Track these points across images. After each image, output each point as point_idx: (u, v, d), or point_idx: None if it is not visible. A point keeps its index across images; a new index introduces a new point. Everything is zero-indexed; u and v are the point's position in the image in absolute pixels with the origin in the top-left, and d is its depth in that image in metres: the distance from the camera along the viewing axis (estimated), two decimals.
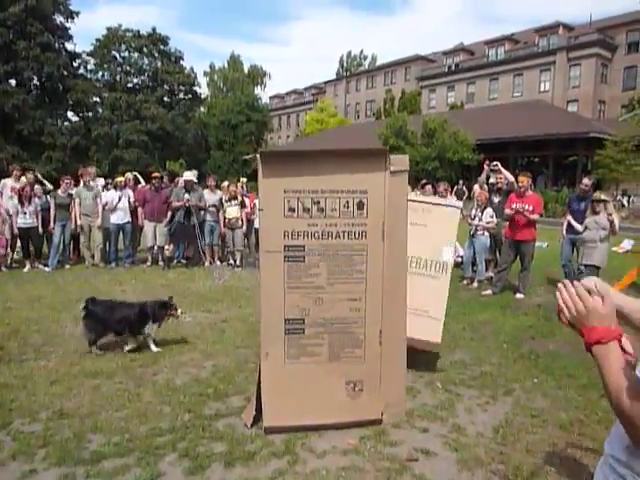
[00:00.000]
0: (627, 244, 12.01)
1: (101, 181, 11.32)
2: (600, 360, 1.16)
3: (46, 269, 9.20)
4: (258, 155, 3.08)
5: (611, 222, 6.74)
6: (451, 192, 11.89)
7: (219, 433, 3.33)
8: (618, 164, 22.72)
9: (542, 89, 39.40)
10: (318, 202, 3.20)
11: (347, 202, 3.24)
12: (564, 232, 8.01)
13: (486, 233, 8.05)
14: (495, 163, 8.81)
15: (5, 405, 3.68)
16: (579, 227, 7.30)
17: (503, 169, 8.56)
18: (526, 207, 7.27)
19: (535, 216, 7.29)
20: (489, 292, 7.57)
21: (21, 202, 9.10)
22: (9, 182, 9.57)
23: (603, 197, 7.00)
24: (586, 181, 8.24)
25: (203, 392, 3.97)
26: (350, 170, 3.23)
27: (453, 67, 46.37)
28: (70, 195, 9.48)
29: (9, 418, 3.49)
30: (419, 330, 4.50)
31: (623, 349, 1.15)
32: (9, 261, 9.37)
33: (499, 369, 4.57)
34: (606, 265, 7.09)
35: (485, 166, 9.34)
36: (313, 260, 3.28)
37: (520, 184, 7.51)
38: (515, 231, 7.38)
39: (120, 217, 9.50)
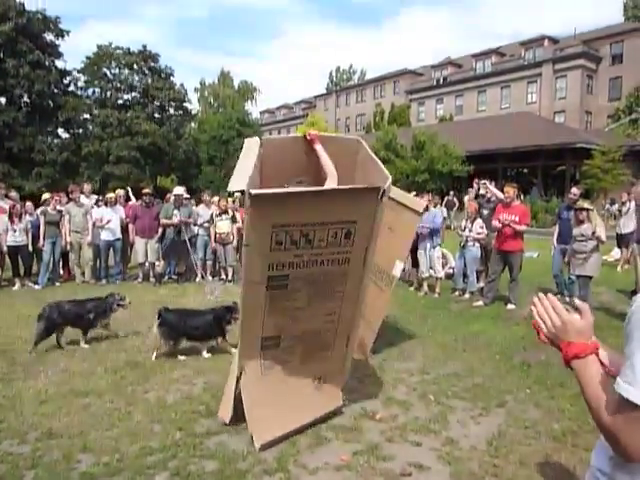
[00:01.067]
0: (617, 253, 12.10)
1: (94, 198, 11.28)
2: (579, 374, 1.17)
3: (36, 287, 9.12)
4: (247, 194, 2.91)
5: (593, 233, 6.75)
6: (441, 203, 11.99)
7: (210, 451, 3.30)
8: (606, 173, 23.00)
9: (529, 101, 39.97)
10: (307, 234, 3.15)
11: (335, 233, 3.22)
12: (554, 242, 8.08)
13: (477, 244, 8.09)
14: (484, 182, 8.91)
15: None
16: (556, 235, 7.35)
17: (491, 187, 8.66)
18: (512, 217, 7.34)
19: (522, 227, 7.36)
20: (480, 303, 7.60)
21: (11, 220, 9.04)
22: None
23: (586, 205, 7.06)
24: (574, 190, 8.32)
25: (194, 409, 3.94)
26: (341, 204, 3.19)
27: (441, 80, 46.94)
28: (60, 212, 9.44)
29: None
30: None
31: (601, 362, 1.16)
32: None
33: (492, 380, 4.58)
34: (598, 274, 7.13)
35: (474, 184, 9.44)
36: (295, 286, 3.30)
37: (506, 194, 7.58)
38: (502, 242, 7.43)
39: (110, 234, 9.46)
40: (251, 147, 3.60)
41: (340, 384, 3.90)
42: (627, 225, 10.70)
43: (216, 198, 11.10)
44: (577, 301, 1.26)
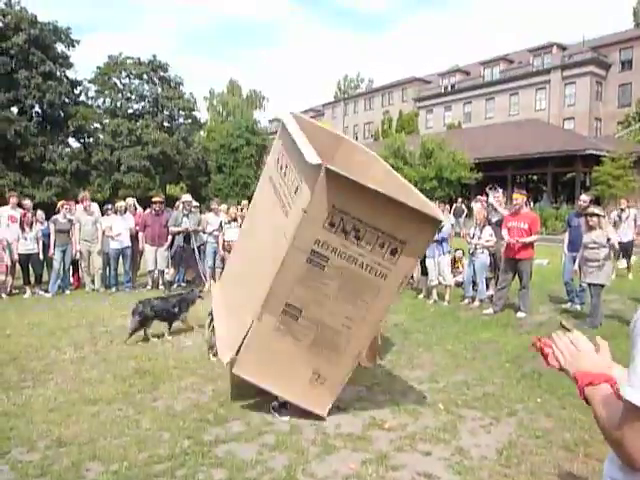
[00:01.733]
0: (625, 263, 11.97)
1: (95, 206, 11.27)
2: (593, 401, 1.16)
3: (46, 295, 9.19)
4: (324, 167, 3.13)
5: (608, 240, 6.67)
6: (449, 211, 11.95)
7: (219, 460, 3.29)
8: (616, 180, 22.83)
9: (538, 108, 39.83)
10: (358, 230, 3.38)
11: (384, 243, 3.43)
12: (565, 249, 8.00)
13: (486, 251, 8.05)
14: (494, 192, 8.85)
15: (4, 433, 3.65)
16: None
17: (494, 201, 8.57)
18: (521, 225, 7.29)
19: (532, 238, 7.30)
20: (490, 311, 7.53)
21: (22, 228, 9.14)
22: (7, 210, 9.61)
23: (596, 211, 6.97)
24: (584, 197, 8.26)
25: (203, 417, 3.94)
26: (400, 217, 3.39)
27: (449, 88, 46.95)
28: (70, 220, 9.52)
29: (7, 447, 3.45)
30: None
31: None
32: (9, 288, 9.37)
33: (502, 389, 4.53)
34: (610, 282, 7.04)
35: (487, 191, 9.40)
36: (330, 272, 3.49)
37: (514, 202, 7.54)
38: (512, 250, 7.37)
39: (120, 242, 9.52)
40: (290, 121, 3.93)
41: (333, 395, 3.91)
42: (626, 234, 10.57)
43: (224, 206, 11.14)
44: (598, 338, 1.28)
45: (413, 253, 3.52)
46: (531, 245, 7.41)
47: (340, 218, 3.32)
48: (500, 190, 9.41)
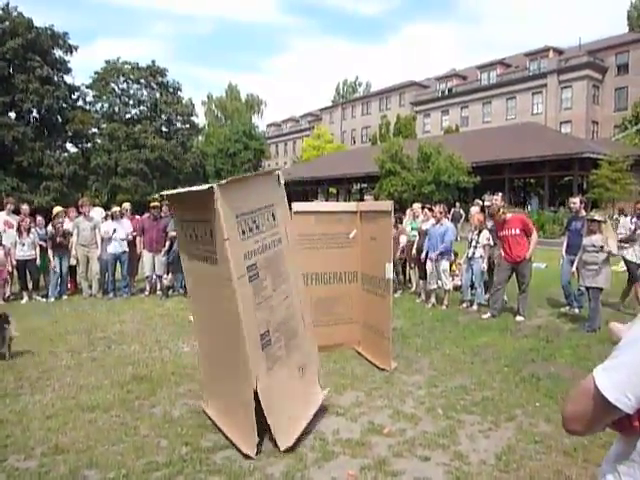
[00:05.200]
0: None
1: (99, 210, 11.30)
2: None
3: (44, 300, 9.16)
4: (216, 187, 3.17)
5: (601, 247, 6.63)
6: (447, 214, 11.93)
7: (217, 466, 3.27)
8: (614, 183, 22.90)
9: (535, 111, 39.98)
10: (255, 221, 3.51)
11: (269, 216, 3.67)
12: (564, 252, 7.99)
13: (484, 255, 8.04)
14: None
15: (0, 441, 3.62)
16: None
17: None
18: (513, 232, 7.28)
19: (532, 245, 7.29)
20: (488, 315, 7.52)
21: (19, 233, 9.12)
22: (2, 216, 9.59)
23: (597, 217, 6.96)
24: (573, 199, 8.24)
25: (201, 424, 3.92)
26: (265, 190, 3.70)
27: (446, 92, 47.11)
28: (65, 234, 9.47)
29: (4, 454, 3.43)
30: (374, 352, 5.49)
31: None
32: (7, 294, 9.34)
33: (501, 394, 4.52)
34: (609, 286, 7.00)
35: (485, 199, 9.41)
36: (262, 274, 3.53)
37: (496, 217, 7.52)
38: (510, 253, 7.35)
39: (116, 247, 9.49)
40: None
41: (315, 374, 4.11)
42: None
43: None
44: None
45: (282, 207, 3.85)
46: (526, 243, 7.34)
47: (244, 221, 3.40)
48: (499, 194, 9.42)
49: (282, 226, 3.80)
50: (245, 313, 3.33)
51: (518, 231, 7.29)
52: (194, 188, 3.47)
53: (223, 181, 3.30)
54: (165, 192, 3.95)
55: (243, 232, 3.38)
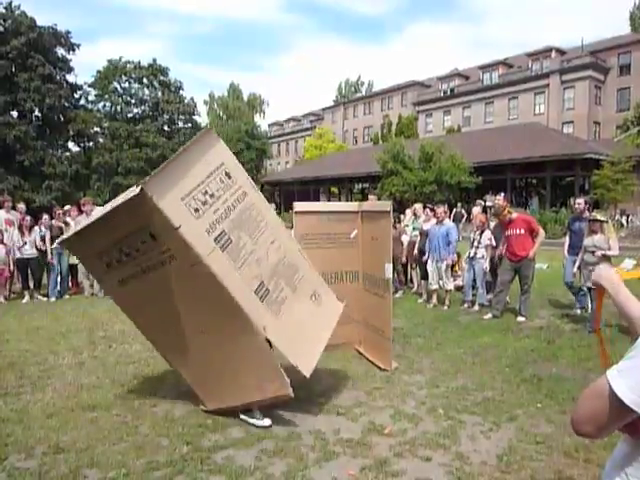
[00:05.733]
0: (628, 264, 11.96)
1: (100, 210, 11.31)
2: None
3: (45, 299, 9.17)
4: (143, 187, 3.10)
5: (607, 249, 6.59)
6: (449, 215, 11.93)
7: (218, 466, 3.27)
8: (616, 184, 22.86)
9: (537, 112, 39.94)
10: (206, 192, 3.50)
11: (220, 177, 3.64)
12: (565, 253, 7.97)
13: (486, 256, 8.03)
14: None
15: (1, 440, 3.63)
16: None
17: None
18: (518, 232, 7.27)
19: (539, 237, 7.27)
20: (490, 316, 7.51)
21: (21, 232, 9.13)
22: (2, 214, 9.61)
23: (599, 217, 6.93)
24: (578, 200, 8.22)
25: (202, 423, 3.92)
26: (204, 155, 3.61)
27: (448, 92, 47.09)
28: (67, 224, 9.50)
29: (4, 453, 3.43)
30: (375, 352, 5.52)
31: None
32: (8, 292, 9.36)
33: (502, 394, 4.51)
34: None
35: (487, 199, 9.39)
36: (235, 235, 3.58)
37: (502, 217, 7.50)
38: (513, 252, 7.34)
39: None
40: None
41: (328, 291, 4.27)
42: None
43: None
44: None
45: (232, 164, 3.89)
46: (532, 244, 7.35)
47: (193, 199, 3.39)
48: (502, 194, 9.40)
49: (241, 178, 3.80)
50: (228, 281, 3.38)
51: (523, 231, 7.27)
52: (118, 201, 3.40)
53: (152, 173, 3.23)
54: (64, 236, 4.01)
55: (196, 210, 3.35)
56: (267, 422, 3.83)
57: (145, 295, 3.81)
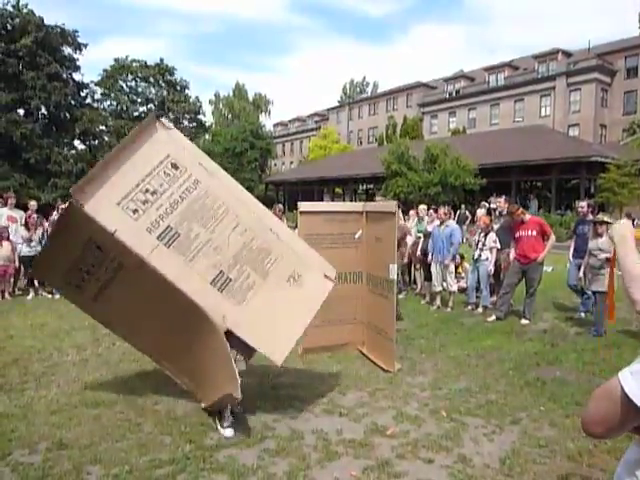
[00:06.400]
0: None
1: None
2: None
3: (49, 296, 9.20)
4: (74, 202, 3.18)
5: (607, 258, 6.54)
6: (453, 216, 11.91)
7: (220, 464, 3.27)
8: (622, 187, 22.73)
9: (543, 114, 39.80)
10: (147, 190, 3.40)
11: (165, 171, 3.48)
12: (570, 256, 7.94)
13: (490, 258, 8.01)
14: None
15: (5, 435, 3.64)
16: None
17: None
18: (529, 233, 7.24)
19: (550, 241, 7.26)
20: (493, 318, 7.49)
21: (27, 229, 9.17)
22: (5, 211, 9.66)
23: (606, 219, 6.87)
24: (582, 203, 8.18)
25: (204, 422, 3.92)
26: (146, 146, 3.47)
27: (454, 93, 46.98)
28: None
29: (9, 449, 3.45)
30: (378, 353, 5.48)
31: None
32: (12, 289, 9.40)
33: (505, 397, 4.50)
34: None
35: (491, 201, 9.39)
36: (185, 228, 3.46)
37: (515, 216, 7.48)
38: (523, 254, 7.30)
39: None
40: None
41: (312, 268, 3.85)
42: None
43: None
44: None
45: (180, 151, 3.68)
46: (541, 248, 7.30)
47: (131, 200, 3.36)
48: (503, 196, 9.38)
49: (193, 165, 3.59)
50: (175, 276, 3.31)
51: (535, 233, 7.24)
52: (58, 224, 3.53)
53: (79, 182, 3.23)
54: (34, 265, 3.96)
55: (135, 211, 3.33)
56: (228, 433, 3.67)
57: (115, 307, 3.84)
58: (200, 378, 3.98)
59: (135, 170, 3.40)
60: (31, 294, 9.25)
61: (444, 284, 8.39)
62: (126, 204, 3.31)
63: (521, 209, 7.53)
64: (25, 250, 9.16)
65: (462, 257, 9.60)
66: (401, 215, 8.99)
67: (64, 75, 34.53)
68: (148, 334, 3.99)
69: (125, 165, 3.38)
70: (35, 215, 9.57)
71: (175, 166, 3.51)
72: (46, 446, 3.49)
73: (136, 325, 3.96)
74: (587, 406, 1.17)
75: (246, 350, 3.77)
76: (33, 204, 10.12)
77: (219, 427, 3.75)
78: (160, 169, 3.47)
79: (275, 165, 62.06)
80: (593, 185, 27.16)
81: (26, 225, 9.22)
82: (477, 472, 3.21)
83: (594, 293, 6.81)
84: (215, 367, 3.65)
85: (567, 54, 40.62)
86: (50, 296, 9.22)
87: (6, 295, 9.09)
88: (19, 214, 9.68)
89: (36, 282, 9.39)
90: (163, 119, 3.65)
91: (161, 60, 41.64)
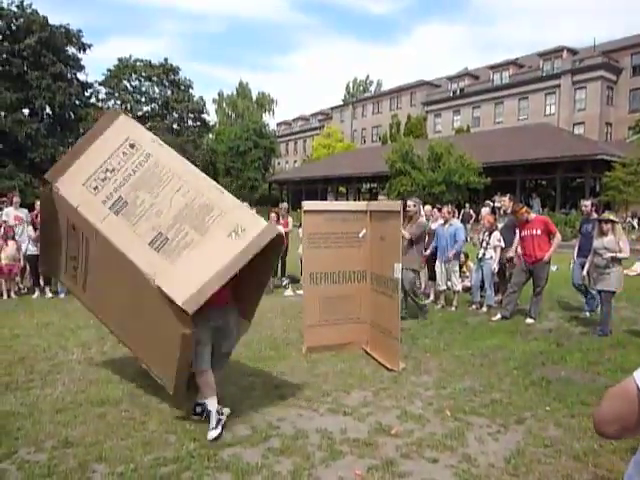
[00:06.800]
0: (639, 267, 11.85)
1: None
2: None
3: (55, 295, 9.24)
4: (48, 179, 3.69)
5: (618, 251, 6.48)
6: (457, 215, 11.87)
7: (224, 463, 3.28)
8: (628, 186, 22.61)
9: (547, 112, 39.63)
10: (107, 169, 3.76)
11: (124, 151, 3.82)
12: (574, 255, 7.91)
13: (494, 257, 7.98)
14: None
15: (11, 433, 3.66)
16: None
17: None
18: (534, 232, 7.21)
19: (555, 240, 7.22)
20: (499, 317, 7.46)
21: (35, 229, 9.18)
22: (12, 211, 9.69)
23: (612, 217, 6.81)
24: (585, 202, 8.13)
25: None
26: (109, 133, 3.89)
27: (458, 92, 46.85)
28: None
29: (15, 447, 3.46)
30: (383, 352, 5.47)
31: None
32: (18, 288, 9.44)
33: (510, 396, 4.49)
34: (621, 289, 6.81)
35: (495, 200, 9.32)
36: (132, 197, 3.69)
37: (519, 215, 7.44)
38: (529, 253, 7.27)
39: None
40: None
41: (257, 222, 3.68)
42: None
43: None
44: None
45: (140, 134, 4.04)
46: (548, 247, 7.27)
47: (93, 180, 3.73)
48: (508, 195, 9.34)
49: (146, 142, 3.92)
50: (119, 239, 3.55)
51: (540, 232, 7.20)
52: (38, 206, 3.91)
53: (52, 168, 3.74)
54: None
55: (95, 188, 3.72)
56: (213, 434, 3.59)
57: (96, 294, 4.10)
58: (153, 350, 4.06)
59: (98, 154, 3.82)
60: (36, 293, 9.29)
61: (448, 283, 8.38)
62: (90, 183, 3.71)
63: (525, 208, 7.50)
64: (32, 249, 9.20)
65: (466, 256, 9.58)
66: (423, 212, 8.83)
67: (68, 75, 34.68)
68: (117, 314, 4.18)
69: (90, 150, 3.84)
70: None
71: (132, 145, 3.88)
72: (52, 444, 3.50)
73: (108, 307, 4.19)
74: (600, 405, 1.16)
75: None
76: (39, 204, 10.14)
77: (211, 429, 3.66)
78: (120, 150, 3.84)
79: (279, 164, 62.09)
80: (599, 184, 27.03)
81: (33, 225, 9.25)
82: (482, 472, 3.21)
83: (599, 292, 6.77)
84: (159, 332, 3.70)
85: (572, 52, 40.41)
86: (55, 295, 9.25)
87: (12, 294, 9.14)
88: (23, 213, 9.73)
89: (42, 281, 9.43)
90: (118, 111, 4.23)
91: (165, 60, 41.74)
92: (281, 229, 9.35)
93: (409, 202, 7.61)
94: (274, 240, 3.67)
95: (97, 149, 3.85)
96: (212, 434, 3.60)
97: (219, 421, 3.69)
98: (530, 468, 3.24)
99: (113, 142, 3.86)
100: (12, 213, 9.61)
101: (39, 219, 9.02)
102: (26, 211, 9.96)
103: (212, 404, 3.74)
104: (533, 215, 7.53)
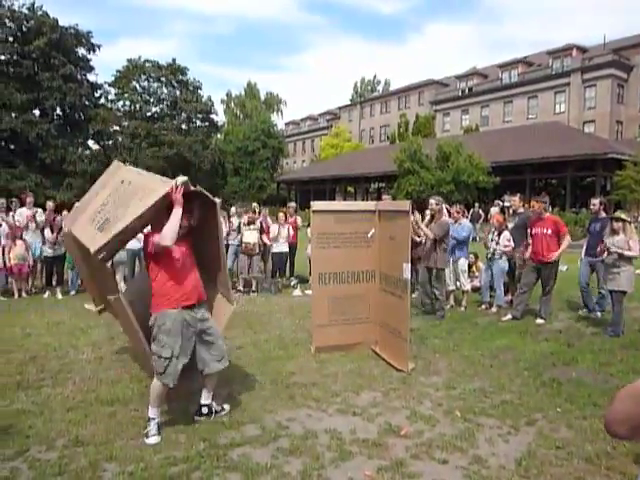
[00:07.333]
0: None
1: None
2: None
3: (66, 295, 9.31)
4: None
5: (627, 249, 6.37)
6: (466, 214, 11.80)
7: (234, 463, 3.28)
8: (639, 185, 22.37)
9: (557, 111, 39.31)
10: (103, 203, 4.29)
11: (117, 188, 4.33)
12: (582, 254, 7.84)
13: (504, 257, 7.93)
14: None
15: (22, 432, 3.69)
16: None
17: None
18: (544, 231, 7.15)
19: (565, 241, 7.16)
20: (509, 317, 7.41)
21: (51, 231, 9.24)
22: (25, 210, 9.77)
23: (623, 216, 6.72)
24: (594, 201, 8.05)
25: (218, 420, 3.94)
26: (110, 182, 4.63)
27: (467, 91, 46.61)
28: None
29: (26, 445, 3.49)
30: (392, 352, 5.47)
31: None
32: (29, 287, 9.52)
33: (520, 397, 4.45)
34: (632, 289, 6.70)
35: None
36: (105, 207, 4.17)
37: (535, 210, 7.39)
38: (538, 251, 7.21)
39: (135, 244, 9.55)
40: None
41: (158, 189, 3.91)
42: None
43: (233, 209, 11.02)
44: None
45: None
46: (556, 244, 7.19)
47: (96, 214, 4.31)
48: (518, 194, 9.27)
49: (128, 174, 4.55)
50: (82, 233, 4.23)
51: (550, 231, 7.14)
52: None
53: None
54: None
55: (92, 220, 4.22)
56: (151, 438, 3.60)
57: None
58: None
59: (100, 198, 4.43)
60: (47, 293, 9.36)
61: (457, 283, 8.33)
62: (93, 217, 4.24)
63: (544, 205, 7.44)
64: (48, 251, 9.28)
65: (476, 256, 9.53)
66: (445, 211, 8.66)
67: (78, 76, 34.92)
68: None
69: (96, 198, 4.53)
70: (59, 218, 9.65)
71: (122, 182, 4.39)
72: (62, 443, 3.53)
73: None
74: (612, 405, 1.14)
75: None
76: (51, 204, 10.22)
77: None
78: (114, 189, 4.37)
79: (287, 164, 62.13)
80: (609, 182, 26.77)
81: (50, 227, 9.31)
82: (492, 473, 3.18)
83: (610, 292, 6.70)
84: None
85: (582, 50, 40.04)
86: (66, 295, 9.32)
87: (23, 293, 9.22)
88: (37, 213, 9.81)
89: (54, 281, 9.50)
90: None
91: (173, 60, 41.85)
92: (274, 229, 9.36)
93: (431, 200, 7.59)
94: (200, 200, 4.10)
95: (99, 195, 4.54)
96: (151, 440, 3.57)
97: (159, 427, 3.70)
98: (541, 470, 3.22)
99: (110, 187, 4.47)
100: (25, 213, 9.69)
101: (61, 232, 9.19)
102: (40, 210, 10.04)
103: (153, 412, 3.72)
104: (547, 214, 7.47)
